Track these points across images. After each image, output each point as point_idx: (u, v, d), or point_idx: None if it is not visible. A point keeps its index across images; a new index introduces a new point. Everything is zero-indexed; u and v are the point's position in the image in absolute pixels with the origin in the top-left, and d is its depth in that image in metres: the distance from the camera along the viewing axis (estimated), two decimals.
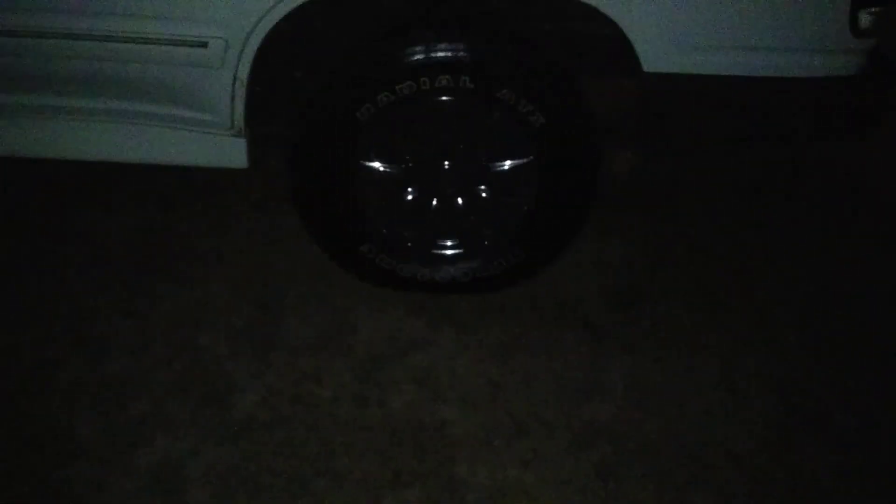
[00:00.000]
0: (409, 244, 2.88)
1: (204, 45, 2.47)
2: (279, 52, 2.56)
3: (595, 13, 2.40)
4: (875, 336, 2.89)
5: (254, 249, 3.16)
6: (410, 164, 2.76)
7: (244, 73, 2.53)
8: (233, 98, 2.58)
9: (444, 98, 2.55)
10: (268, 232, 3.25)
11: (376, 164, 2.74)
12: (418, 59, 2.44)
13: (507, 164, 2.75)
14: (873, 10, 2.39)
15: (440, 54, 2.44)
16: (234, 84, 2.55)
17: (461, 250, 2.90)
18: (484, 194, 2.81)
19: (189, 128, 2.70)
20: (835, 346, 2.85)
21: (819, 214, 3.48)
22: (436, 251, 2.91)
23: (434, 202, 2.83)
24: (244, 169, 2.77)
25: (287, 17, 2.43)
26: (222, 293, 2.95)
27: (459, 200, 2.82)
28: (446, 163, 2.75)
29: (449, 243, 2.91)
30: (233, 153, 2.72)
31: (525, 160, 2.72)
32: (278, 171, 2.78)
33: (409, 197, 2.82)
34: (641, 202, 3.51)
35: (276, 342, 2.75)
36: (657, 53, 2.46)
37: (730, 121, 2.68)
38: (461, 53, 2.44)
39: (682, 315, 2.96)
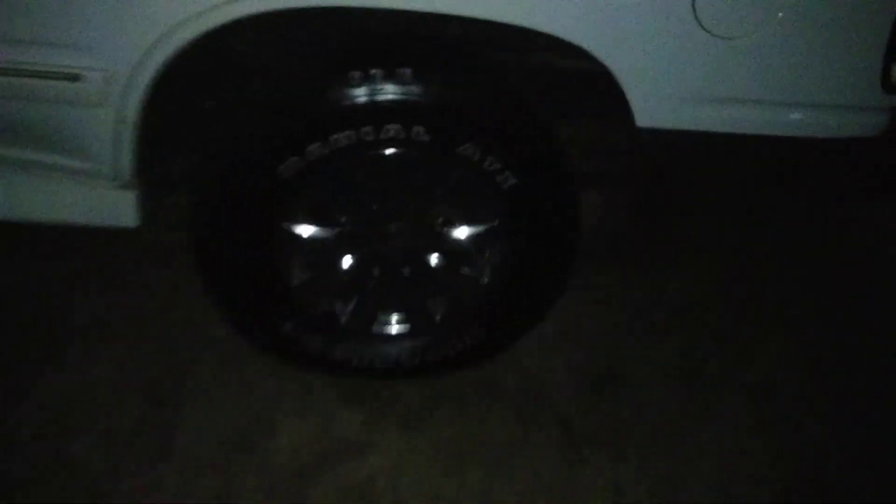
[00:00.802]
0: (344, 321, 2.34)
1: (76, 77, 1.87)
2: (180, 88, 1.98)
3: (581, 53, 1.90)
4: None
5: (148, 316, 2.57)
6: (347, 228, 2.21)
7: (132, 112, 1.94)
8: (116, 142, 1.99)
9: (391, 151, 2.02)
10: (168, 291, 2.65)
11: (303, 229, 2.19)
12: (360, 103, 1.90)
13: (467, 230, 2.23)
14: None
15: (388, 97, 1.90)
16: (117, 126, 1.96)
17: (407, 327, 2.38)
18: (436, 263, 2.28)
19: (68, 178, 2.10)
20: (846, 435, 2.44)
21: (825, 281, 3.09)
22: (376, 329, 2.38)
23: (375, 272, 2.29)
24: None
25: (192, 45, 1.86)
26: (105, 381, 2.35)
27: (406, 270, 2.29)
28: (392, 226, 2.21)
29: (393, 319, 2.39)
30: (119, 209, 2.14)
31: (488, 225, 2.21)
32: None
33: (345, 266, 2.27)
34: (613, 254, 3.04)
35: (170, 452, 2.17)
36: (654, 106, 1.97)
37: (739, 182, 2.23)
38: (414, 98, 1.91)
39: (668, 401, 2.49)
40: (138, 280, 2.68)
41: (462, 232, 2.23)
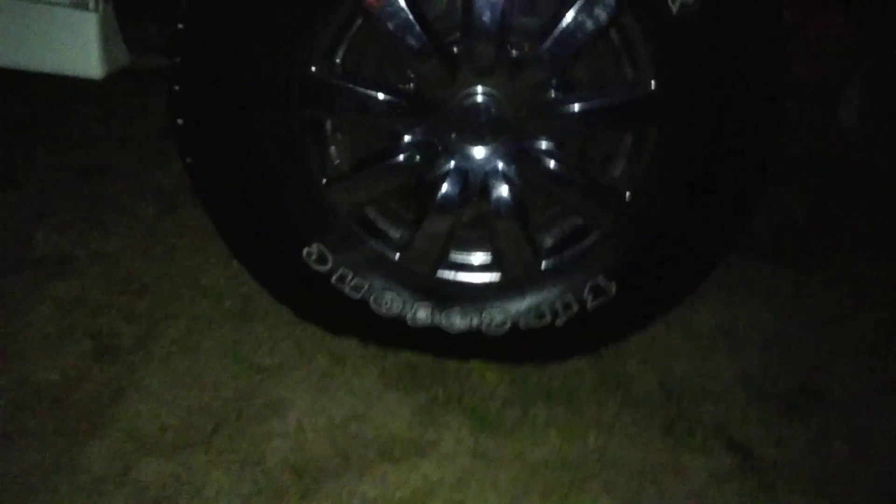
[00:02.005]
0: (397, 255, 1.51)
1: None
2: None
3: None
4: None
5: (121, 253, 1.80)
6: (403, 87, 1.41)
7: None
8: None
9: None
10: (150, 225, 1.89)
11: (338, 82, 1.40)
12: None
13: (604, 96, 1.39)
14: None
15: None
16: None
17: (496, 274, 1.53)
18: (552, 164, 1.43)
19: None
20: None
21: None
22: (447, 274, 1.54)
23: (446, 170, 1.45)
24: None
25: None
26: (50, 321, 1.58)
27: (498, 171, 1.45)
28: (476, 85, 1.38)
29: (474, 259, 1.55)
30: (73, 42, 1.41)
31: (641, 89, 1.36)
32: None
33: (401, 158, 1.45)
34: (792, 249, 2.12)
35: (102, 430, 1.35)
36: None
37: None
38: None
39: (883, 428, 1.54)
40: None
41: (592, 103, 1.38)
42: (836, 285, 1.97)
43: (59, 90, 2.38)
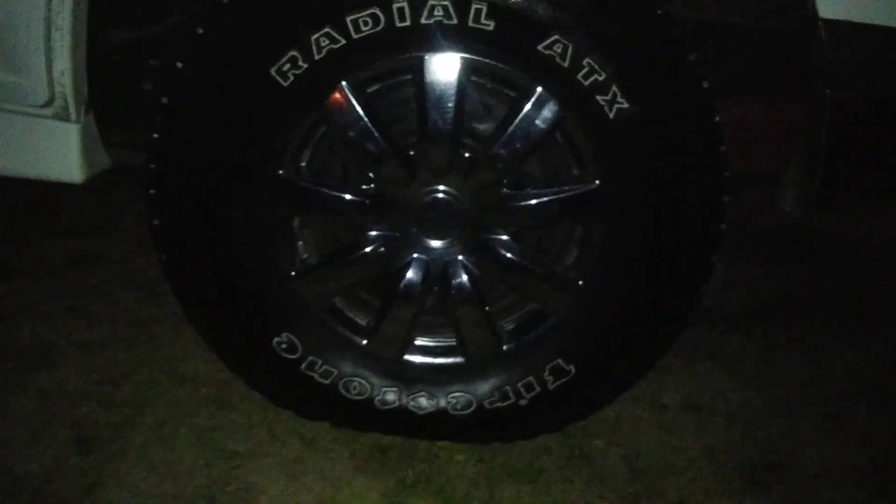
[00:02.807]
0: (364, 341, 1.58)
1: None
2: None
3: None
4: None
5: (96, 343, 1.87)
6: (368, 189, 1.50)
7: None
8: (49, 48, 1.40)
9: (435, 48, 1.34)
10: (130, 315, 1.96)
11: (306, 185, 1.49)
12: None
13: (552, 195, 1.48)
14: None
15: None
16: (47, 25, 1.38)
17: (459, 357, 1.59)
18: (500, 252, 1.51)
19: None
20: None
21: None
22: (413, 358, 1.60)
23: (410, 264, 1.53)
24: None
25: None
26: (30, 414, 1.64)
27: (458, 266, 1.53)
28: (433, 187, 1.47)
29: (438, 344, 1.62)
30: (55, 149, 1.50)
31: (586, 186, 1.45)
32: None
33: (366, 250, 1.53)
34: (750, 312, 2.18)
35: None
36: None
37: None
38: None
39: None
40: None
41: (542, 199, 1.47)
42: (799, 356, 2.03)
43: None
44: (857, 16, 1.27)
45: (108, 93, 1.57)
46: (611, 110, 1.32)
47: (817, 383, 1.94)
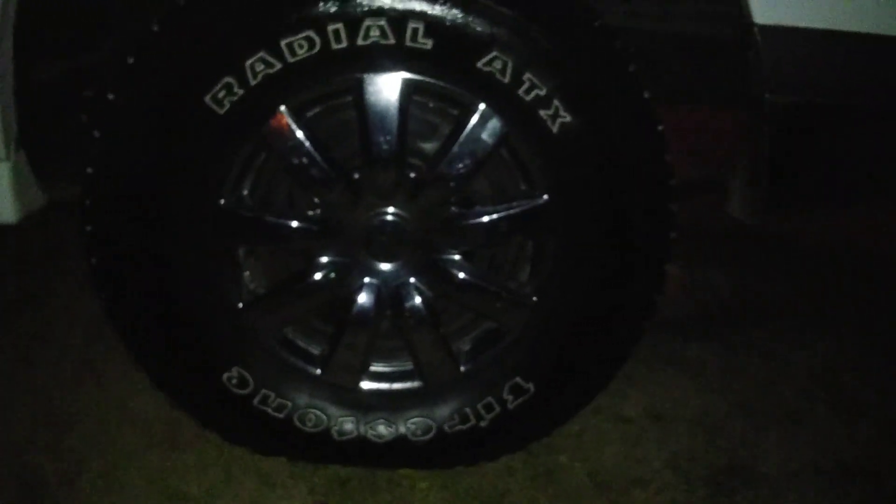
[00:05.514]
0: (318, 371, 1.54)
1: None
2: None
3: None
4: None
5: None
6: (314, 214, 1.46)
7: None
8: None
9: (374, 68, 1.31)
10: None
11: (249, 213, 1.45)
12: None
13: (499, 212, 1.46)
14: None
15: None
16: None
17: (416, 382, 1.56)
18: (452, 272, 1.49)
19: None
20: None
21: None
22: (369, 386, 1.57)
23: (362, 289, 1.50)
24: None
25: None
26: None
27: (410, 289, 1.50)
28: (380, 209, 1.45)
29: (394, 369, 1.58)
30: None
31: (532, 202, 1.44)
32: None
33: (316, 278, 1.50)
34: (709, 321, 2.19)
35: None
36: None
37: None
38: None
39: None
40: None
41: (491, 216, 1.45)
42: (760, 360, 2.04)
43: None
44: (791, 20, 1.28)
45: (39, 127, 1.52)
46: (554, 124, 1.31)
47: (775, 385, 1.95)
